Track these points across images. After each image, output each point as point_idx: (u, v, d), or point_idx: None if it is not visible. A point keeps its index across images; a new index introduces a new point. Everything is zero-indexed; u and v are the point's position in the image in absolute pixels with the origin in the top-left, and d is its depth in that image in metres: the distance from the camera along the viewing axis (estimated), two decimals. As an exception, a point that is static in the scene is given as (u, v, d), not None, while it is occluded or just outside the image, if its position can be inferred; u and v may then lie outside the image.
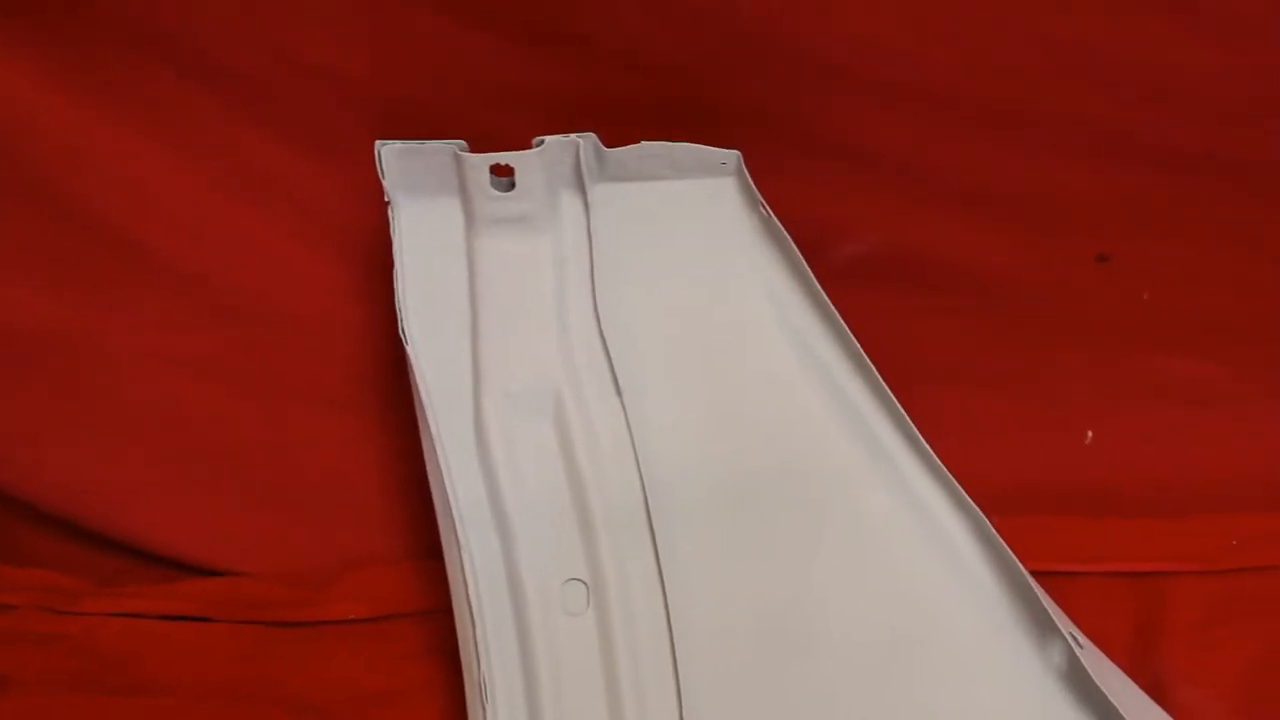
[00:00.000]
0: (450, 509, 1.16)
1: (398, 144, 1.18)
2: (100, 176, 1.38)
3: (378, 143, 1.17)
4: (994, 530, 1.17)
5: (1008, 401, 1.47)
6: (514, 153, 1.17)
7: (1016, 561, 1.16)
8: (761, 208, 1.21)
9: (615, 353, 1.21)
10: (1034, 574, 1.17)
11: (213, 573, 1.50)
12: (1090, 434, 1.47)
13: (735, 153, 1.21)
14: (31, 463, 1.47)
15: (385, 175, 1.18)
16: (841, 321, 1.20)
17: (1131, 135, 1.31)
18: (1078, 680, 1.14)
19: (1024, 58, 1.27)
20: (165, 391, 1.46)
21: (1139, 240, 1.38)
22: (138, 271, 1.42)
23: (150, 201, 1.39)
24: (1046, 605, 1.15)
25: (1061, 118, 1.30)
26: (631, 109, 1.30)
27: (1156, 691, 1.23)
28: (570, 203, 1.22)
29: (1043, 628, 1.16)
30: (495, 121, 1.29)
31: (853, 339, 1.19)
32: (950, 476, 1.19)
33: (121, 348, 1.45)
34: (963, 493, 1.18)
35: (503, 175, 1.18)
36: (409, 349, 1.18)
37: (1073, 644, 1.13)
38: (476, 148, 1.19)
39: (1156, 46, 1.26)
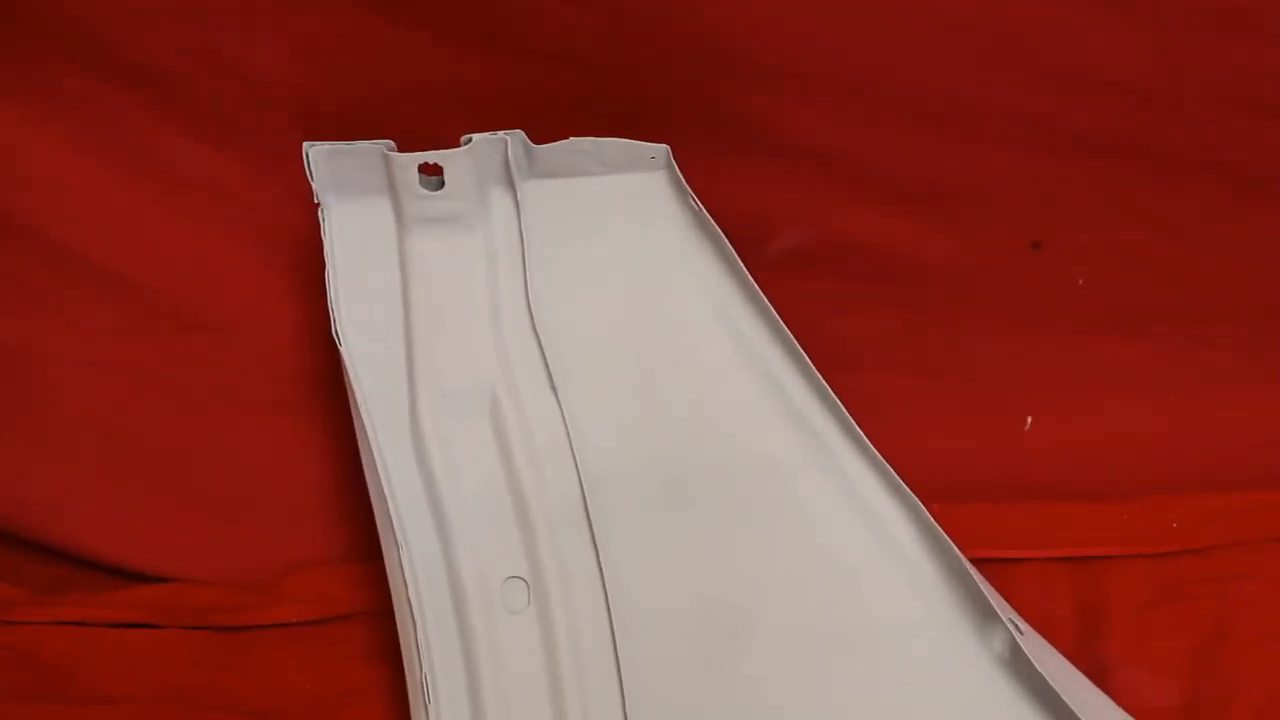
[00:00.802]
0: (388, 509, 1.16)
1: (325, 145, 1.17)
2: (26, 182, 1.37)
3: (305, 144, 1.17)
4: (931, 518, 1.17)
5: (946, 389, 1.47)
6: (442, 151, 1.16)
7: (955, 549, 1.17)
8: (692, 201, 1.20)
9: (549, 349, 1.21)
10: (975, 561, 1.18)
11: (156, 579, 1.49)
12: (1029, 420, 1.47)
13: (664, 147, 1.20)
14: (-34, 473, 1.46)
15: (314, 176, 1.17)
16: (775, 313, 1.19)
17: (1059, 123, 1.32)
18: (1019, 667, 1.15)
19: (952, 48, 1.27)
20: (101, 399, 1.45)
21: (1071, 227, 1.38)
22: (68, 279, 1.41)
23: (78, 207, 1.38)
24: (986, 592, 1.15)
25: (991, 108, 1.31)
26: (561, 106, 1.30)
27: (1099, 675, 1.25)
28: (500, 200, 1.21)
29: (983, 615, 1.17)
30: (424, 120, 1.29)
31: (786, 331, 1.19)
32: (887, 465, 1.19)
33: (55, 356, 1.44)
34: (900, 481, 1.18)
35: (432, 174, 1.18)
36: (343, 350, 1.18)
37: (1013, 630, 1.13)
38: (406, 147, 1.18)
39: (1081, 35, 1.26)
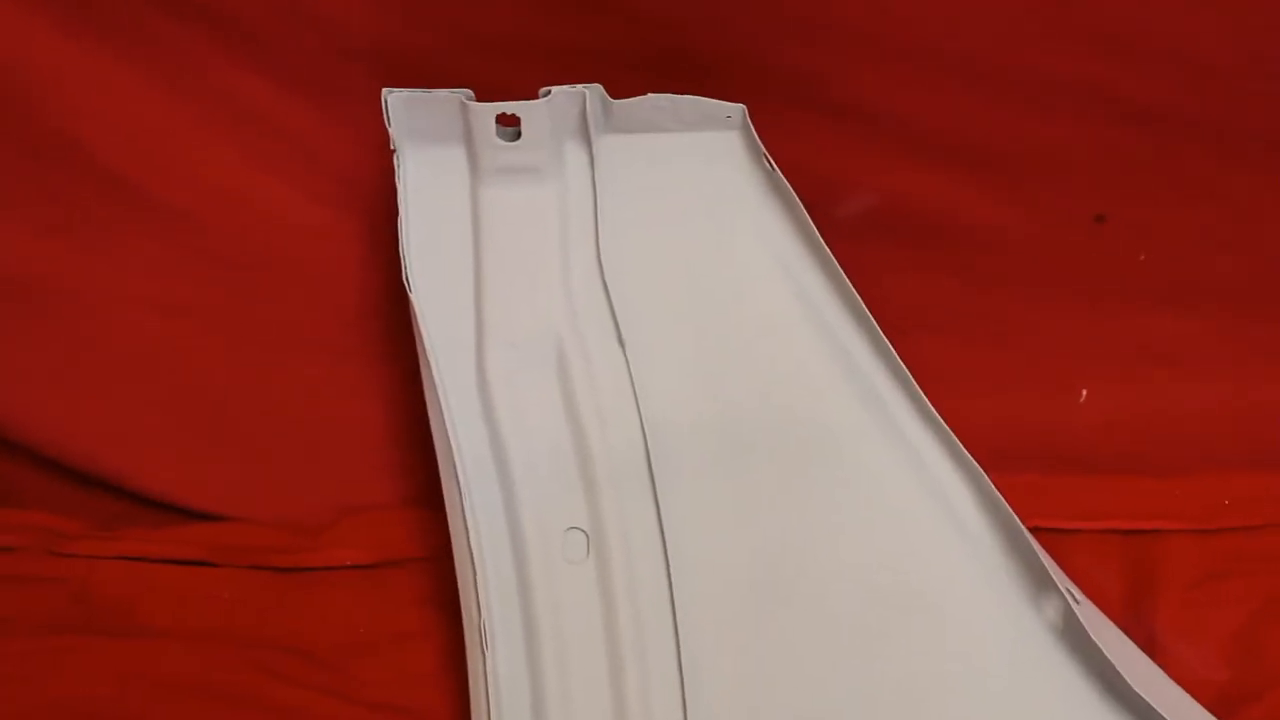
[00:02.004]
0: (452, 458, 1.16)
1: (404, 92, 1.17)
2: (95, 117, 1.37)
3: (385, 90, 1.17)
4: (992, 485, 1.18)
5: (1001, 358, 1.47)
6: (521, 102, 1.17)
7: (1014, 517, 1.17)
8: (766, 161, 1.21)
9: (618, 304, 1.21)
10: (1028, 530, 1.18)
11: (212, 518, 1.51)
12: (1084, 393, 1.48)
13: (741, 106, 1.20)
14: (27, 405, 1.47)
15: (391, 123, 1.18)
16: (844, 276, 1.20)
17: (1127, 95, 1.32)
18: (1072, 636, 1.16)
19: (1022, 14, 1.27)
20: (163, 337, 1.46)
21: (1135, 202, 1.39)
22: (133, 214, 1.42)
23: (146, 145, 1.39)
24: (1044, 561, 1.16)
25: (1060, 77, 1.31)
26: (634, 62, 1.30)
27: (1147, 647, 1.25)
28: (575, 154, 1.22)
29: (1039, 583, 1.17)
30: (496, 73, 1.28)
31: (855, 294, 1.20)
32: (949, 431, 1.19)
33: (119, 292, 1.45)
34: (961, 447, 1.19)
35: (509, 125, 1.18)
36: (412, 298, 1.18)
37: (1070, 600, 1.14)
38: (478, 98, 1.18)
39: (1152, 6, 1.26)
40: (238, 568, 1.44)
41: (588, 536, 1.20)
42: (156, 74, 1.36)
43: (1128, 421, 1.48)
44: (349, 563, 1.44)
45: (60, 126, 1.37)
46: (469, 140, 1.19)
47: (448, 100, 1.17)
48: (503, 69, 1.30)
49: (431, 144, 1.20)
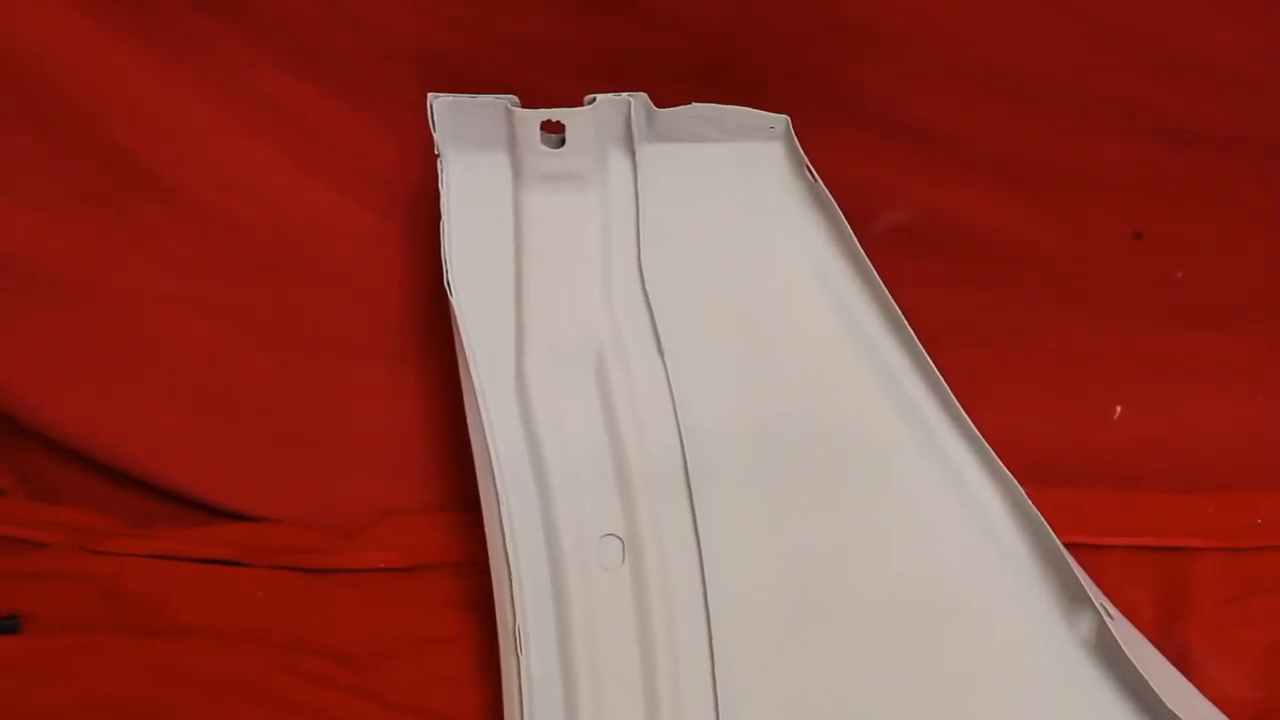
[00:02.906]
0: (490, 462, 1.17)
1: (449, 97, 1.18)
2: (138, 119, 1.38)
3: (430, 95, 1.18)
4: (1028, 500, 1.18)
5: (1036, 373, 1.48)
6: (566, 109, 1.18)
7: (1050, 531, 1.17)
8: (808, 172, 1.21)
9: (658, 311, 1.22)
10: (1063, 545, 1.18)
11: (243, 518, 1.51)
12: (1119, 409, 1.48)
13: (784, 117, 1.21)
14: (62, 402, 1.48)
15: (436, 128, 1.18)
16: (885, 289, 1.20)
17: (1167, 114, 1.32)
18: (1105, 651, 1.16)
19: (1066, 33, 1.28)
20: (201, 337, 1.47)
21: (1174, 219, 1.39)
22: (175, 216, 1.42)
23: (188, 146, 1.40)
24: (1079, 575, 1.16)
25: (1101, 95, 1.32)
26: (674, 72, 1.31)
27: (1180, 665, 1.25)
28: (618, 161, 1.22)
29: (1072, 598, 1.18)
30: (537, 78, 1.29)
31: (895, 307, 1.20)
32: (986, 445, 1.19)
33: (158, 292, 1.45)
34: (998, 462, 1.19)
35: (553, 132, 1.19)
36: (453, 301, 1.19)
37: (1104, 615, 1.14)
38: (520, 104, 1.19)
39: (1194, 26, 1.27)
40: (269, 568, 1.44)
41: (623, 543, 1.20)
42: (201, 76, 1.36)
43: (1161, 439, 1.48)
44: (381, 565, 1.44)
45: (104, 127, 1.38)
46: (513, 146, 1.20)
47: (493, 106, 1.18)
48: (543, 75, 1.31)
49: (475, 149, 1.21)
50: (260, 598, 1.42)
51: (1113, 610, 1.18)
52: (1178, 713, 1.11)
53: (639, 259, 1.22)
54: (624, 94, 1.18)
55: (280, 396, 1.49)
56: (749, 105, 1.22)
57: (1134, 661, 1.12)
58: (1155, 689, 1.11)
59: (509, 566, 1.16)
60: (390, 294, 1.45)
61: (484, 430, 1.17)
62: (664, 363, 1.22)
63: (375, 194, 1.42)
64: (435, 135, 1.19)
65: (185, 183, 1.41)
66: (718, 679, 1.17)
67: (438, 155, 1.20)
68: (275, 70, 1.36)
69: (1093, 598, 1.15)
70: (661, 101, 1.21)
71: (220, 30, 1.34)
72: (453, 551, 1.44)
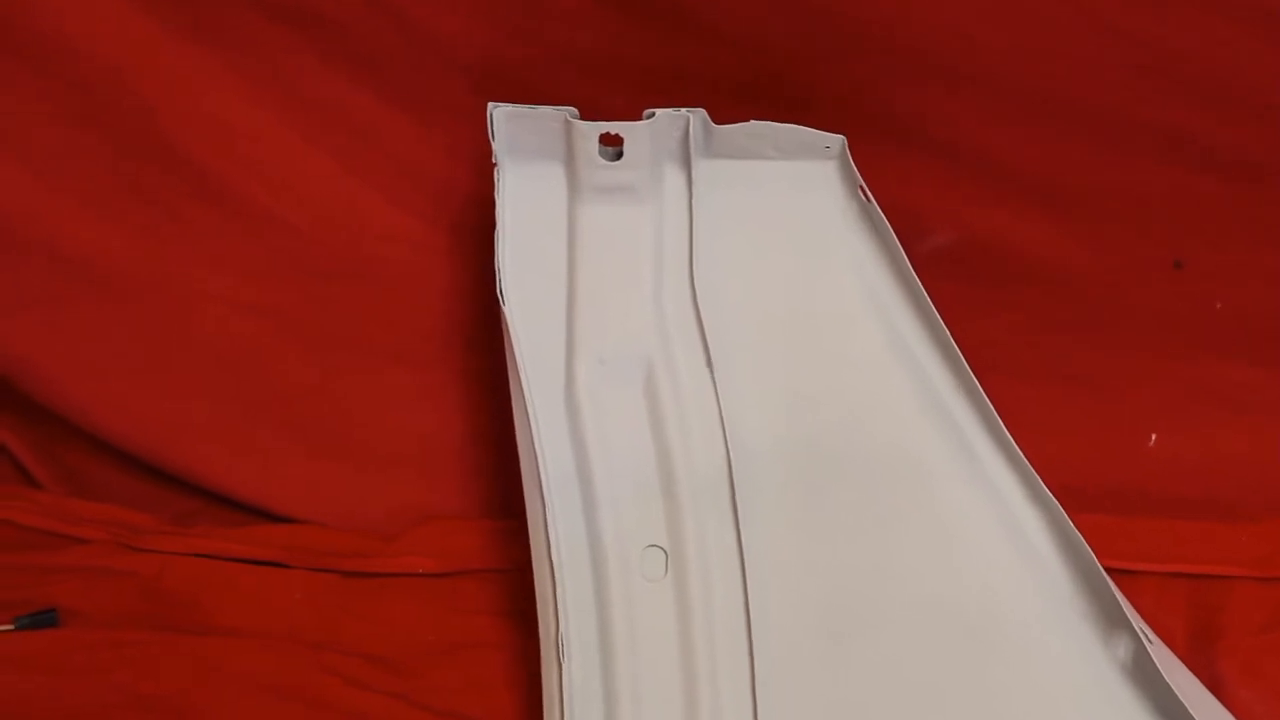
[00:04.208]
0: (537, 469, 1.18)
1: (509, 106, 1.19)
2: (197, 122, 1.40)
3: (490, 105, 1.19)
4: (1070, 523, 1.18)
5: (1073, 399, 1.48)
6: (624, 123, 1.19)
7: (1091, 555, 1.18)
8: (861, 192, 1.22)
9: (709, 326, 1.23)
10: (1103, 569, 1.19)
11: (283, 519, 1.52)
12: (1154, 437, 1.48)
13: (840, 137, 1.22)
14: (107, 399, 1.50)
15: (495, 137, 1.19)
16: (934, 310, 1.21)
17: (1211, 143, 1.33)
18: (1142, 675, 1.16)
19: (1115, 60, 1.29)
20: (245, 338, 1.48)
21: (1214, 249, 1.40)
22: (225, 216, 1.44)
23: (246, 150, 1.41)
24: (1119, 599, 1.16)
25: (1146, 122, 1.33)
26: (725, 89, 1.32)
27: (1212, 692, 1.25)
28: (674, 175, 1.24)
29: (1110, 622, 1.18)
30: (585, 92, 1.30)
31: (944, 328, 1.21)
32: (1030, 467, 1.20)
33: (204, 292, 1.47)
34: (1041, 484, 1.20)
35: (611, 144, 1.20)
36: (505, 309, 1.20)
37: (1143, 639, 1.14)
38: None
39: (1242, 57, 1.28)
40: (309, 570, 1.45)
41: (667, 554, 1.21)
42: (259, 80, 1.38)
43: (1197, 466, 1.48)
44: (420, 570, 1.45)
45: (159, 126, 1.39)
46: (570, 157, 1.21)
47: (552, 117, 1.19)
48: (595, 89, 1.32)
49: (532, 159, 1.22)
50: (299, 599, 1.42)
51: (1151, 635, 1.18)
52: (1215, 739, 1.11)
53: (691, 273, 1.23)
54: (683, 109, 1.19)
55: (323, 400, 1.50)
56: (798, 123, 1.23)
57: (1172, 687, 1.12)
58: (1193, 716, 1.11)
59: (553, 574, 1.16)
60: (435, 302, 1.46)
61: (532, 438, 1.18)
62: (713, 377, 1.23)
63: (425, 202, 1.43)
64: (494, 144, 1.20)
65: (237, 184, 1.42)
66: (757, 693, 1.17)
67: (495, 164, 1.21)
68: (333, 76, 1.38)
69: (1132, 622, 1.16)
70: (711, 118, 1.22)
71: (281, 35, 1.36)
72: (490, 558, 1.45)
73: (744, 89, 1.32)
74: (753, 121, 1.21)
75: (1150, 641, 1.16)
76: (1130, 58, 1.29)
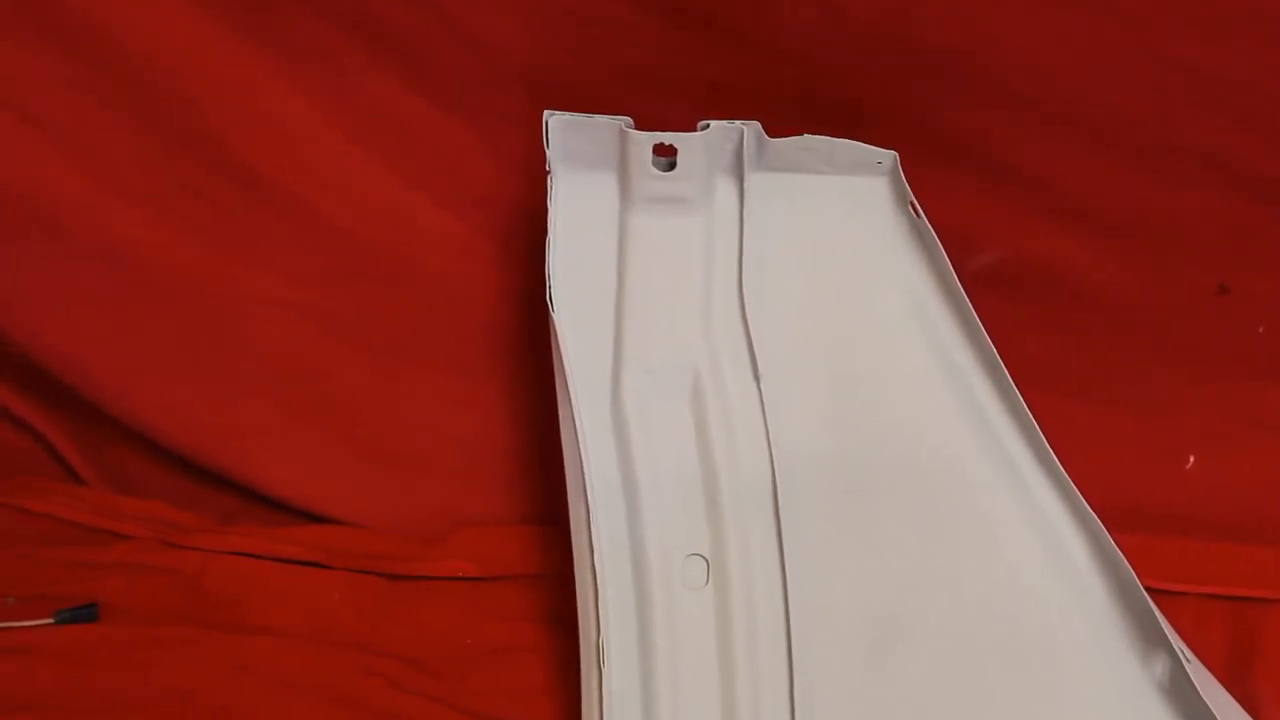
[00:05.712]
0: (581, 475, 1.18)
1: (565, 115, 1.20)
2: (250, 123, 1.41)
3: (546, 113, 1.19)
4: (1112, 542, 1.19)
5: (1113, 419, 1.48)
6: (678, 134, 1.19)
7: (1131, 574, 1.18)
8: (912, 208, 1.23)
9: (756, 338, 1.23)
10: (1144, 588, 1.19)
11: (325, 520, 1.53)
12: (1192, 459, 1.48)
13: (892, 153, 1.23)
14: (152, 397, 1.51)
15: (549, 144, 1.20)
16: (981, 328, 1.22)
17: (1260, 170, 1.33)
18: (1179, 694, 1.17)
19: (1167, 86, 1.29)
20: (293, 340, 1.50)
21: (1260, 274, 1.40)
22: (276, 218, 1.45)
23: (298, 153, 1.42)
24: (1159, 618, 1.17)
25: (1196, 148, 1.32)
26: (777, 103, 1.32)
27: (1249, 711, 1.25)
28: (725, 187, 1.24)
29: (1149, 641, 1.19)
30: (634, 103, 1.30)
31: (990, 344, 1.22)
32: (1072, 485, 1.21)
33: (253, 293, 1.48)
34: (1083, 501, 1.20)
35: (664, 155, 1.20)
36: (554, 316, 1.20)
37: (1182, 658, 1.15)
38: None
39: None
40: (349, 571, 1.46)
41: (708, 563, 1.21)
42: (313, 82, 1.39)
43: (1235, 489, 1.48)
44: (459, 574, 1.46)
45: (216, 130, 1.41)
46: (623, 167, 1.22)
47: (607, 126, 1.20)
48: (645, 99, 1.33)
49: (585, 168, 1.22)
50: (339, 600, 1.44)
51: (1190, 654, 1.19)
52: (1253, 760, 1.12)
53: (740, 284, 1.24)
54: (737, 121, 1.20)
55: (367, 402, 1.51)
56: (849, 138, 1.24)
57: (1210, 706, 1.12)
58: (1231, 734, 1.12)
59: (595, 580, 1.17)
60: (481, 308, 1.47)
61: (577, 445, 1.19)
62: (759, 388, 1.23)
63: (474, 209, 1.44)
64: (548, 152, 1.20)
65: (288, 185, 1.44)
66: (796, 703, 1.18)
67: (549, 172, 1.21)
68: (387, 81, 1.39)
69: (1171, 640, 1.16)
70: (767, 133, 1.23)
71: (336, 38, 1.37)
72: (530, 563, 1.46)
73: (795, 104, 1.32)
74: (806, 135, 1.22)
75: (1189, 661, 1.16)
76: (1180, 82, 1.28)
